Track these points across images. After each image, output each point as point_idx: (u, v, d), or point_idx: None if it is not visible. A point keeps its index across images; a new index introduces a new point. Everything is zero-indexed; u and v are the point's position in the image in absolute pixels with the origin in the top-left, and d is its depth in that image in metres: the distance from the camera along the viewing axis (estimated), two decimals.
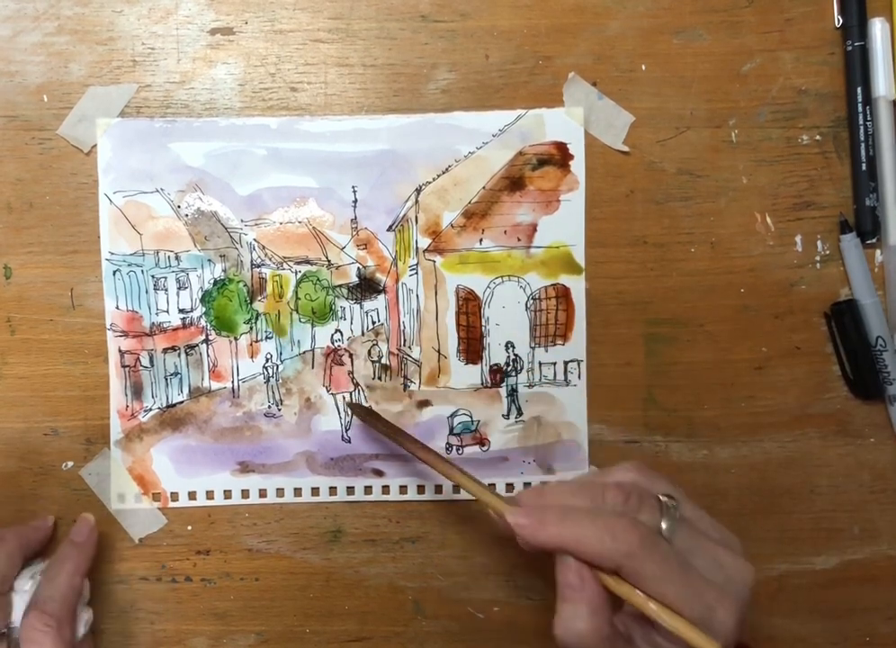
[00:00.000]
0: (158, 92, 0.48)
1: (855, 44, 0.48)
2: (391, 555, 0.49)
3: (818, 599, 0.50)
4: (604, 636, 0.36)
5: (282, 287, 0.49)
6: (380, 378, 0.49)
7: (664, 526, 0.37)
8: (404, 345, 0.49)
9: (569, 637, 0.37)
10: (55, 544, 0.48)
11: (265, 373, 0.49)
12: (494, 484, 0.49)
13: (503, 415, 0.49)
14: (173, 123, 0.48)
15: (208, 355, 0.49)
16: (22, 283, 0.48)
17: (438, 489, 0.49)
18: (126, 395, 0.48)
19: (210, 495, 0.48)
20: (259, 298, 0.49)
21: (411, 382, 0.49)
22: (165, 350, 0.48)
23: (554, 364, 0.49)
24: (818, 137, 0.49)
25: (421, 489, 0.49)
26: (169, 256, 0.48)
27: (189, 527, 0.49)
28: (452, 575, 0.49)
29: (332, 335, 0.49)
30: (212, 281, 0.48)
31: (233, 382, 0.49)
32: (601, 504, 0.38)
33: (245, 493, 0.49)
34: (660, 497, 0.38)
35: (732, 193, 0.49)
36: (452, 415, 0.49)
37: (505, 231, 0.49)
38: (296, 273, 0.49)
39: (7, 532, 0.45)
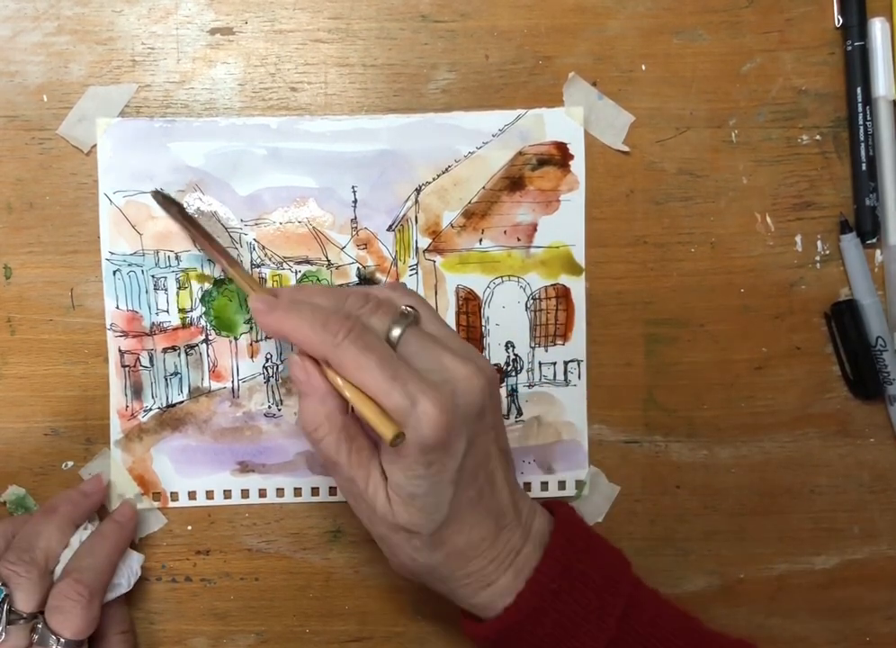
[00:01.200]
0: (158, 92, 0.48)
1: (855, 44, 0.48)
2: None
3: (818, 599, 0.50)
4: (337, 423, 0.38)
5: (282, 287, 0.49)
6: None
7: (393, 331, 0.39)
8: None
9: (308, 426, 0.39)
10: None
11: (265, 373, 0.49)
12: (263, 278, 0.48)
13: (503, 415, 0.49)
14: (173, 123, 0.48)
15: (208, 355, 0.48)
16: (22, 283, 0.48)
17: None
18: (126, 395, 0.48)
19: (209, 495, 0.48)
20: None
21: None
22: (165, 350, 0.48)
23: (554, 364, 0.49)
24: (818, 137, 0.49)
25: None
26: (169, 256, 0.48)
27: (189, 527, 0.49)
28: None
29: None
30: (212, 280, 0.48)
31: (233, 382, 0.49)
32: (340, 306, 0.39)
33: (245, 493, 0.49)
34: (401, 307, 0.40)
35: (732, 193, 0.49)
36: None
37: (505, 231, 0.49)
38: (296, 273, 0.49)
39: (60, 501, 0.45)
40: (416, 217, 0.49)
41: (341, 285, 0.49)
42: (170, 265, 0.48)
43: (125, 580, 0.45)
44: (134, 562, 0.46)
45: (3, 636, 0.40)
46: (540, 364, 0.49)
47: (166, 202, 0.47)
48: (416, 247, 0.49)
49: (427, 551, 0.39)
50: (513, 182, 0.49)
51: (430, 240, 0.49)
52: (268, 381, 0.49)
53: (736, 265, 0.49)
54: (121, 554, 0.45)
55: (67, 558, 0.43)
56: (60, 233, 0.48)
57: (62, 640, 0.40)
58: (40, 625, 0.41)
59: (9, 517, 0.47)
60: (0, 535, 0.43)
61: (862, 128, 0.48)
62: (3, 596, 0.40)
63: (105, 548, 0.44)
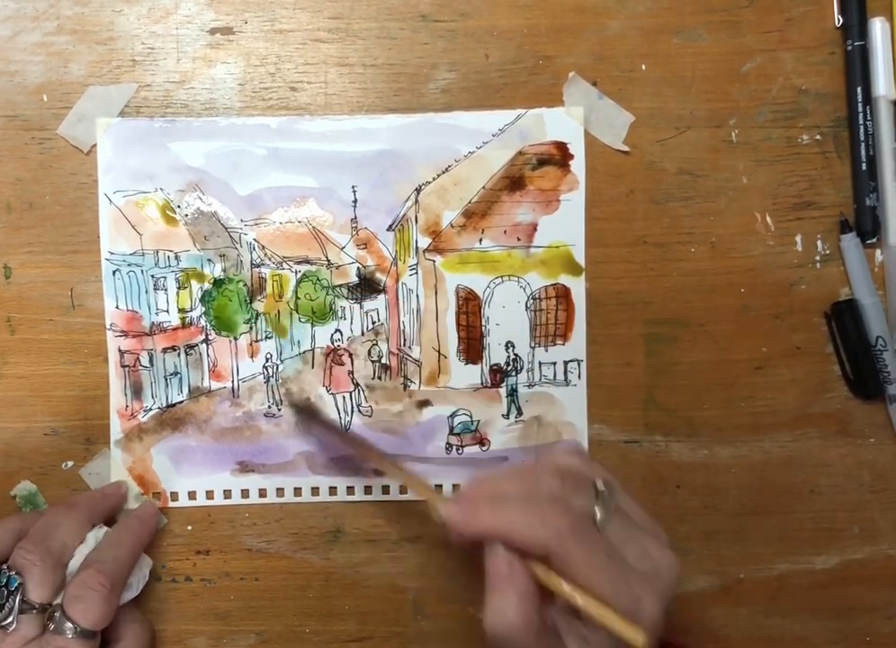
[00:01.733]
0: (158, 92, 0.48)
1: (855, 44, 0.48)
2: (391, 555, 0.49)
3: (818, 599, 0.50)
4: (532, 628, 0.36)
5: (281, 287, 0.49)
6: (380, 378, 0.49)
7: (598, 513, 0.37)
8: (404, 345, 0.49)
9: (499, 628, 0.36)
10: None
11: (265, 372, 0.49)
12: (441, 485, 0.48)
13: (503, 415, 0.49)
14: (172, 123, 0.48)
15: (208, 355, 0.48)
16: (22, 283, 0.48)
17: (438, 489, 0.49)
18: (126, 395, 0.48)
19: (209, 495, 0.48)
20: (259, 298, 0.49)
21: (411, 381, 0.49)
22: (164, 350, 0.48)
23: (554, 363, 0.49)
24: (818, 137, 0.49)
25: None
26: (169, 256, 0.48)
27: (189, 527, 0.49)
28: (452, 575, 0.49)
29: (332, 335, 0.49)
30: (212, 280, 0.48)
31: (233, 381, 0.49)
32: (535, 489, 0.37)
33: (245, 493, 0.49)
34: (595, 483, 0.38)
35: (732, 193, 0.49)
36: (452, 415, 0.49)
37: (505, 231, 0.49)
38: (296, 272, 0.49)
39: (80, 498, 0.46)
40: (416, 217, 0.49)
41: (340, 285, 0.49)
42: (170, 265, 0.48)
43: (136, 580, 0.45)
44: (144, 565, 0.46)
45: (14, 625, 0.40)
46: (540, 363, 0.49)
47: (308, 416, 0.47)
48: (416, 247, 0.49)
49: None
50: (513, 182, 0.49)
51: (430, 240, 0.49)
52: (268, 381, 0.49)
53: (736, 265, 0.49)
54: (142, 550, 0.46)
55: (83, 555, 0.43)
56: (60, 233, 0.48)
57: (79, 628, 0.40)
58: (57, 614, 0.41)
59: (18, 514, 0.47)
60: (9, 530, 0.43)
61: (862, 128, 0.48)
62: (17, 584, 0.40)
63: (129, 541, 0.45)
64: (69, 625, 0.40)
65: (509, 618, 0.36)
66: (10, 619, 0.40)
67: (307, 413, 0.48)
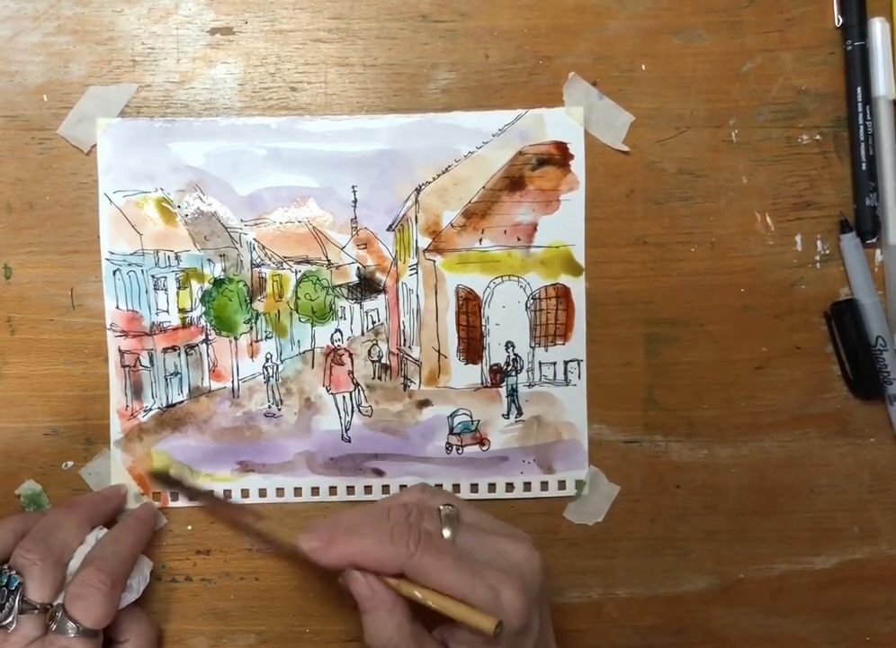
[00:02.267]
0: (158, 92, 0.48)
1: (855, 44, 0.48)
2: None
3: (818, 599, 0.50)
4: (407, 634, 0.39)
5: (281, 287, 0.49)
6: (380, 378, 0.49)
7: (445, 531, 0.40)
8: (404, 344, 0.49)
9: (378, 643, 0.39)
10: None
11: (265, 372, 0.49)
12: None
13: (503, 415, 0.49)
14: (173, 123, 0.48)
15: (208, 355, 0.48)
16: (22, 283, 0.48)
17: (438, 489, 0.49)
18: (126, 395, 0.48)
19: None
20: (259, 298, 0.49)
21: (411, 381, 0.49)
22: (165, 350, 0.48)
23: (554, 363, 0.49)
24: (818, 137, 0.49)
25: None
26: (169, 256, 0.48)
27: (189, 527, 0.49)
28: None
29: (332, 335, 0.49)
30: (212, 280, 0.48)
31: (233, 381, 0.49)
32: (384, 519, 0.40)
33: (245, 493, 0.49)
34: (440, 507, 0.41)
35: (732, 193, 0.49)
36: (452, 415, 0.49)
37: (505, 231, 0.49)
38: (296, 272, 0.49)
39: (81, 500, 0.46)
40: (416, 217, 0.49)
41: (340, 285, 0.49)
42: (170, 265, 0.48)
43: (136, 583, 0.45)
44: (144, 566, 0.46)
45: (14, 625, 0.40)
46: (540, 363, 0.49)
47: (168, 484, 0.48)
48: (416, 247, 0.49)
49: None
50: (513, 182, 0.49)
51: (430, 240, 0.49)
52: (268, 381, 0.49)
53: (736, 265, 0.49)
54: (142, 549, 0.46)
55: (83, 554, 0.43)
56: (60, 233, 0.48)
57: (81, 627, 0.40)
58: (58, 614, 0.41)
59: (20, 514, 0.47)
60: (10, 530, 0.43)
61: (862, 128, 0.48)
62: (17, 584, 0.40)
63: (129, 539, 0.45)
64: (71, 624, 0.40)
65: (383, 633, 0.39)
66: (10, 619, 0.40)
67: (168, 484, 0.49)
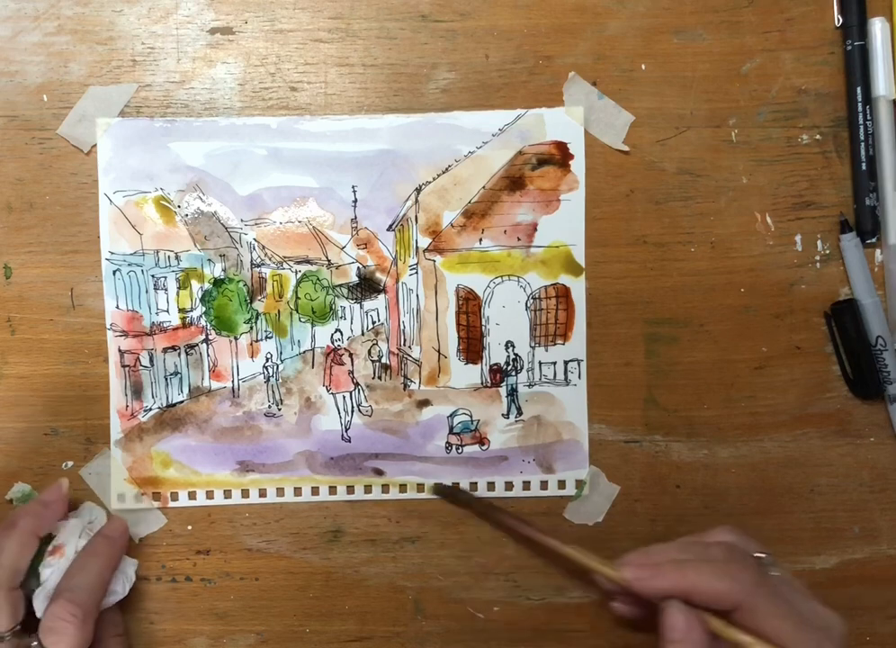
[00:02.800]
0: (158, 92, 0.48)
1: (855, 44, 0.48)
2: (391, 555, 0.49)
3: (818, 599, 0.50)
4: None
5: (281, 287, 0.49)
6: (380, 378, 0.49)
7: (772, 572, 0.40)
8: (404, 344, 0.49)
9: None
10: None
11: (265, 372, 0.49)
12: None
13: (503, 414, 0.49)
14: (173, 123, 0.48)
15: (208, 355, 0.49)
16: (22, 283, 0.48)
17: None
18: (126, 395, 0.48)
19: (209, 495, 0.48)
20: (259, 298, 0.49)
21: (411, 381, 0.49)
22: (165, 350, 0.48)
23: (554, 363, 0.49)
24: (818, 137, 0.49)
25: (421, 488, 0.49)
26: (169, 256, 0.48)
27: (189, 527, 0.49)
28: (452, 575, 0.49)
29: (332, 334, 0.49)
30: (212, 280, 0.48)
31: (233, 381, 0.49)
32: (707, 555, 0.40)
33: (245, 493, 0.49)
34: (758, 554, 0.41)
35: (732, 192, 0.49)
36: (452, 414, 0.49)
37: (505, 231, 0.49)
38: (296, 272, 0.49)
39: (18, 516, 0.44)
40: (416, 217, 0.49)
41: (340, 285, 0.49)
42: (170, 265, 0.48)
43: (121, 587, 0.45)
44: (129, 567, 0.46)
45: None
46: (540, 363, 0.49)
47: (452, 495, 0.49)
48: (417, 247, 0.49)
49: None
50: (513, 182, 0.49)
51: (430, 240, 0.49)
52: (268, 380, 0.49)
53: (736, 265, 0.49)
54: (114, 570, 0.45)
55: (52, 584, 0.43)
56: (60, 233, 0.48)
57: None
58: (34, 644, 0.41)
59: None
60: None
61: (862, 128, 0.48)
62: None
63: (97, 566, 0.44)
64: None
65: None
66: None
67: (451, 496, 0.49)
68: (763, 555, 0.41)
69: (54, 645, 0.40)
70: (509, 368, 0.49)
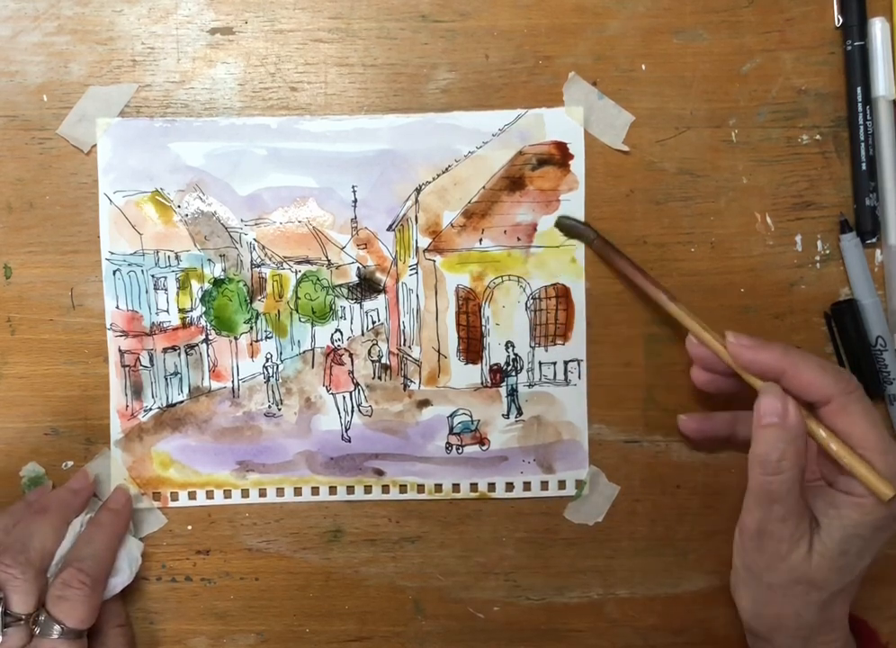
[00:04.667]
0: (158, 92, 0.48)
1: (855, 44, 0.48)
2: (391, 555, 0.49)
3: None
4: (802, 463, 0.39)
5: (281, 287, 0.49)
6: (380, 378, 0.49)
7: None
8: (404, 344, 0.49)
9: (774, 454, 0.39)
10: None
11: (265, 372, 0.49)
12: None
13: (503, 414, 0.49)
14: (173, 123, 0.48)
15: (208, 355, 0.49)
16: (22, 283, 0.48)
17: (438, 488, 0.49)
18: (126, 395, 0.48)
19: (209, 495, 0.48)
20: (259, 298, 0.49)
21: (411, 381, 0.49)
22: (165, 350, 0.48)
23: (554, 363, 0.49)
24: (818, 137, 0.49)
25: (421, 488, 0.49)
26: (169, 256, 0.48)
27: (189, 527, 0.49)
28: (452, 575, 0.49)
29: (332, 334, 0.49)
30: (212, 280, 0.48)
31: (233, 381, 0.49)
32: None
33: (245, 493, 0.49)
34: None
35: (732, 193, 0.49)
36: (452, 414, 0.49)
37: (505, 231, 0.49)
38: (296, 272, 0.49)
39: (51, 501, 0.45)
40: (416, 217, 0.49)
41: (340, 285, 0.49)
42: (170, 265, 0.48)
43: (126, 565, 0.45)
44: (134, 548, 0.46)
45: (0, 640, 0.40)
46: (540, 363, 0.49)
47: (581, 230, 0.48)
48: (417, 247, 0.49)
49: (815, 610, 0.41)
50: (513, 182, 0.49)
51: (430, 240, 0.49)
52: (268, 380, 0.49)
53: (736, 265, 0.49)
54: (120, 541, 0.46)
55: (60, 556, 0.43)
56: (60, 233, 0.48)
57: (65, 628, 0.41)
58: (42, 617, 0.41)
59: (4, 510, 0.46)
60: (1, 528, 0.43)
61: (862, 128, 0.48)
62: None
63: (103, 536, 0.44)
64: (56, 626, 0.41)
65: (781, 450, 0.39)
66: None
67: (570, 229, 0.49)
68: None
69: (64, 614, 0.41)
70: (509, 368, 0.49)
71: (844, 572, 0.40)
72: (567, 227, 0.49)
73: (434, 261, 0.49)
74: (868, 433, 0.39)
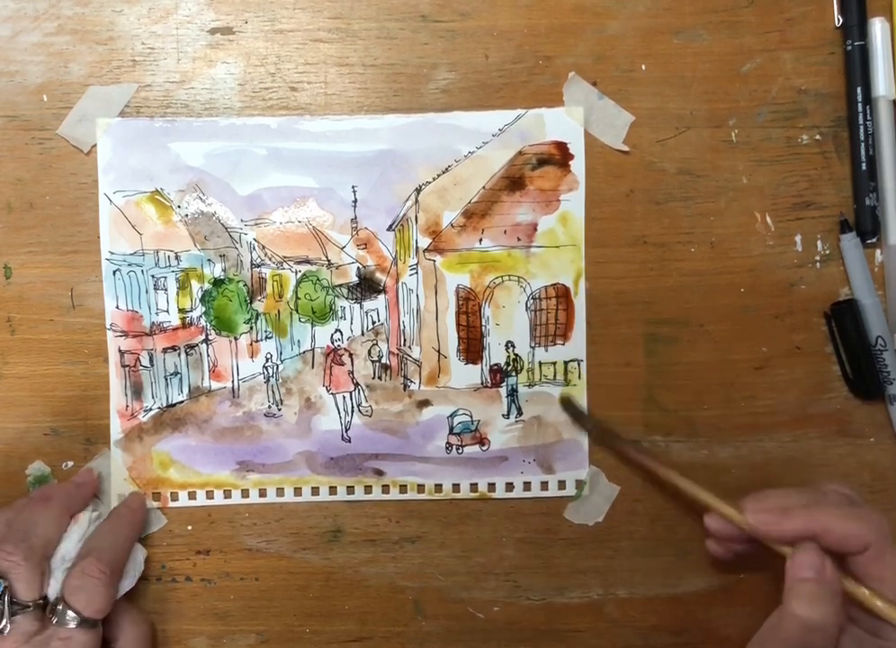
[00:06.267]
0: (158, 92, 0.48)
1: (855, 44, 0.48)
2: (391, 555, 0.49)
3: None
4: (840, 623, 0.38)
5: (281, 287, 0.49)
6: (380, 378, 0.49)
7: None
8: (404, 344, 0.49)
9: (813, 616, 0.37)
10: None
11: (265, 372, 0.49)
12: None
13: (503, 414, 0.49)
14: (173, 123, 0.48)
15: (208, 355, 0.49)
16: (22, 283, 0.48)
17: (438, 488, 0.49)
18: (126, 395, 0.48)
19: (209, 495, 0.48)
20: (259, 298, 0.49)
21: (411, 381, 0.49)
22: (165, 350, 0.48)
23: (554, 363, 0.49)
24: (818, 137, 0.49)
25: (421, 488, 0.49)
26: (169, 256, 0.48)
27: (189, 527, 0.49)
28: (452, 575, 0.49)
29: (332, 335, 0.49)
30: (212, 280, 0.48)
31: (233, 381, 0.49)
32: (829, 503, 0.39)
33: (245, 493, 0.49)
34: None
35: (732, 193, 0.49)
36: (452, 415, 0.49)
37: (505, 231, 0.49)
38: (296, 272, 0.49)
39: (54, 491, 0.45)
40: (416, 217, 0.49)
41: (340, 285, 0.49)
42: (170, 265, 0.48)
43: (131, 567, 0.45)
44: (139, 553, 0.46)
45: (8, 628, 0.40)
46: (540, 363, 0.49)
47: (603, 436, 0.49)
48: (417, 247, 0.49)
49: None
50: (513, 182, 0.49)
51: (430, 240, 0.49)
52: (268, 381, 0.49)
53: (736, 265, 0.49)
54: (137, 537, 0.46)
55: (67, 549, 0.43)
56: (60, 233, 0.48)
57: (81, 618, 0.41)
58: (59, 606, 0.41)
59: (7, 505, 0.46)
60: (2, 522, 0.43)
61: (862, 128, 0.48)
62: (2, 589, 0.40)
63: (124, 528, 0.45)
64: (72, 614, 0.41)
65: (823, 610, 0.38)
66: (2, 623, 0.40)
67: (576, 418, 0.49)
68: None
69: (81, 603, 0.41)
70: (509, 368, 0.49)
71: None
72: (568, 410, 0.49)
73: (434, 261, 0.49)
74: None
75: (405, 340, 0.49)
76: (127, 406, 0.48)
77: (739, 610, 0.50)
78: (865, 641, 0.39)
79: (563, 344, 0.49)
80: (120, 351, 0.48)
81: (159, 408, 0.48)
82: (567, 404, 0.49)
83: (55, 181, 0.48)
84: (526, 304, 0.49)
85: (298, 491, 0.49)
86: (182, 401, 0.48)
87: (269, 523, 0.49)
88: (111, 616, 0.43)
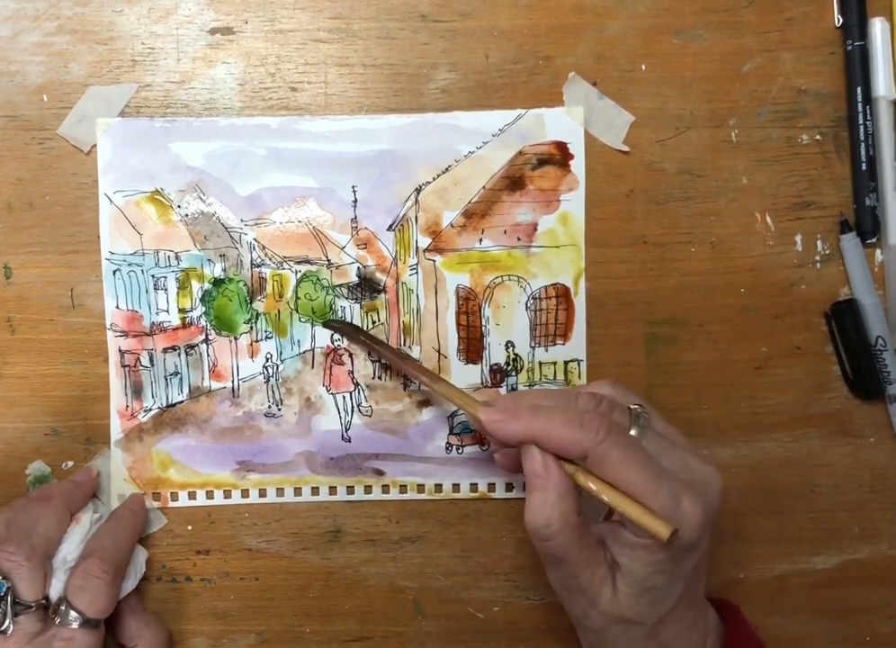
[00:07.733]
0: (158, 92, 0.48)
1: (855, 44, 0.48)
2: (391, 555, 0.49)
3: (818, 599, 0.50)
4: (571, 522, 0.38)
5: (282, 287, 0.49)
6: (380, 378, 0.49)
7: (633, 430, 0.39)
8: (404, 344, 0.49)
9: (538, 522, 0.38)
10: None
11: (265, 372, 0.49)
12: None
13: None
14: (173, 123, 0.48)
15: (208, 355, 0.49)
16: (22, 283, 0.48)
17: (438, 488, 0.49)
18: (126, 395, 0.48)
19: (209, 495, 0.48)
20: (259, 298, 0.49)
21: (411, 381, 0.49)
22: (165, 350, 0.48)
23: (554, 363, 0.49)
24: (818, 137, 0.49)
25: (421, 488, 0.49)
26: (169, 256, 0.48)
27: (189, 527, 0.49)
28: (452, 575, 0.49)
29: (332, 334, 0.49)
30: (212, 280, 0.48)
31: (233, 381, 0.49)
32: (572, 404, 0.39)
33: (245, 493, 0.49)
34: (631, 406, 0.40)
35: (732, 193, 0.49)
36: (452, 414, 0.49)
37: (505, 231, 0.49)
38: (296, 272, 0.49)
39: (54, 490, 0.45)
40: (416, 217, 0.49)
41: (340, 285, 0.49)
42: (170, 265, 0.48)
43: (132, 569, 0.45)
44: (140, 554, 0.46)
45: (11, 629, 0.40)
46: (540, 363, 0.49)
47: (339, 327, 0.48)
48: (417, 247, 0.49)
49: (643, 642, 0.39)
50: (513, 182, 0.49)
51: (430, 240, 0.49)
52: (268, 381, 0.49)
53: (736, 265, 0.49)
54: (137, 539, 0.46)
55: (68, 550, 0.43)
56: (60, 233, 0.48)
57: (84, 618, 0.41)
58: (61, 606, 0.41)
59: (7, 505, 0.46)
60: (2, 523, 0.43)
61: (862, 128, 0.48)
62: (5, 589, 0.40)
63: (125, 529, 0.45)
64: (75, 614, 0.41)
65: (548, 513, 0.37)
66: (5, 624, 0.40)
67: (343, 330, 0.48)
68: (636, 407, 0.40)
69: (84, 603, 0.41)
70: (509, 368, 0.49)
71: (657, 604, 0.38)
72: (331, 326, 0.48)
73: (434, 261, 0.49)
74: (632, 477, 0.36)
75: (405, 340, 0.49)
76: (127, 406, 0.48)
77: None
78: (631, 540, 0.38)
79: (563, 344, 0.49)
80: (120, 351, 0.48)
81: (159, 408, 0.48)
82: (327, 325, 0.48)
83: (55, 181, 0.48)
84: (526, 304, 0.49)
85: (298, 491, 0.49)
86: (182, 401, 0.48)
87: (269, 523, 0.49)
88: (129, 621, 0.43)
